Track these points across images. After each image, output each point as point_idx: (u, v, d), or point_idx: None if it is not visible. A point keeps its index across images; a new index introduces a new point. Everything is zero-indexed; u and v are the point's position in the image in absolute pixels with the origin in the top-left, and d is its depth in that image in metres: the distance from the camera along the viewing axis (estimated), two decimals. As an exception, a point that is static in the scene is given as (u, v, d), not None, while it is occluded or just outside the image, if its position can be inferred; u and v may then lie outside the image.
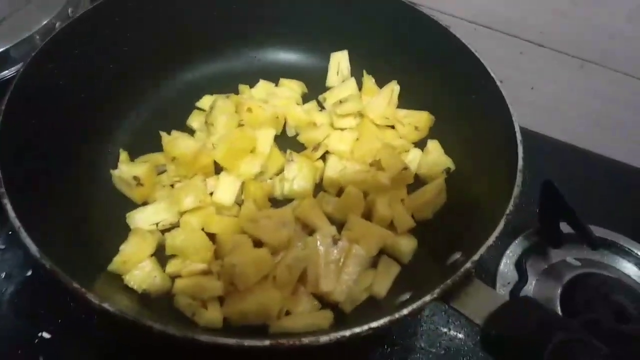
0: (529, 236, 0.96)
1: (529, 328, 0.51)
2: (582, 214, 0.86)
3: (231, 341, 0.52)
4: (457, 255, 0.64)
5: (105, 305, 0.53)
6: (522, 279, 0.89)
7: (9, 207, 0.59)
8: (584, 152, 1.15)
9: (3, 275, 0.84)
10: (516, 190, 0.66)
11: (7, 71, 0.89)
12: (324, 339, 0.52)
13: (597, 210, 0.99)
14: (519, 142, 0.71)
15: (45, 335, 0.78)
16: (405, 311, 0.54)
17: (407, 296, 0.65)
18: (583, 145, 1.16)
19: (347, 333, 0.53)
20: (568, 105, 1.18)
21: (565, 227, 0.90)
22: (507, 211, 0.64)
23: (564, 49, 1.10)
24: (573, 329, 0.51)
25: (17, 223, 0.58)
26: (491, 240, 0.61)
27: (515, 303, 0.56)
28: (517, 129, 0.73)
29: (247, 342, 0.51)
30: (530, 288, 0.89)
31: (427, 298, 0.55)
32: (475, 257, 0.59)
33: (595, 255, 0.95)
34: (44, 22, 0.94)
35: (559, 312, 0.85)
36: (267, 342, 0.52)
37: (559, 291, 0.87)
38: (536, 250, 0.94)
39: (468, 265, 0.58)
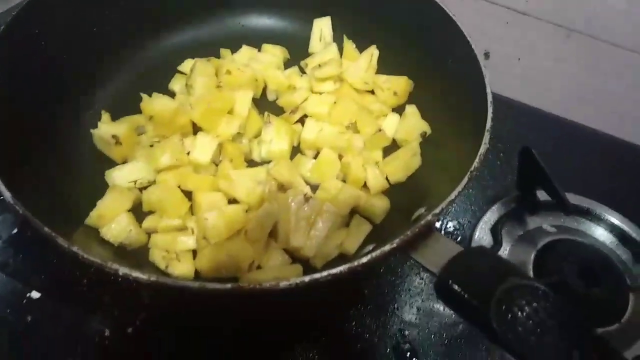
0: (506, 203, 0.97)
1: (481, 275, 0.53)
2: (560, 182, 0.87)
3: (194, 284, 0.54)
4: (422, 210, 0.66)
5: (74, 249, 0.55)
6: (497, 243, 0.90)
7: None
8: (567, 122, 1.15)
9: None
10: (483, 148, 0.67)
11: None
12: (284, 284, 0.54)
13: (575, 178, 1.01)
14: (489, 102, 0.72)
15: (34, 295, 0.80)
16: (364, 259, 0.56)
17: (370, 248, 0.66)
18: (566, 115, 1.16)
19: (307, 279, 0.55)
20: (554, 75, 1.18)
21: (542, 195, 0.91)
22: (472, 167, 0.65)
23: (549, 18, 1.10)
24: (523, 276, 0.52)
25: (-9, 172, 0.60)
26: (453, 195, 0.62)
27: (470, 252, 0.58)
28: (488, 90, 0.74)
29: (210, 285, 0.53)
30: (505, 253, 0.91)
31: (387, 248, 0.57)
32: (437, 211, 0.60)
33: (571, 222, 0.96)
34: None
35: (532, 275, 0.87)
36: (228, 286, 0.53)
37: (532, 256, 0.89)
38: (513, 216, 0.95)
39: (429, 218, 0.59)
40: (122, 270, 0.53)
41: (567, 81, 1.16)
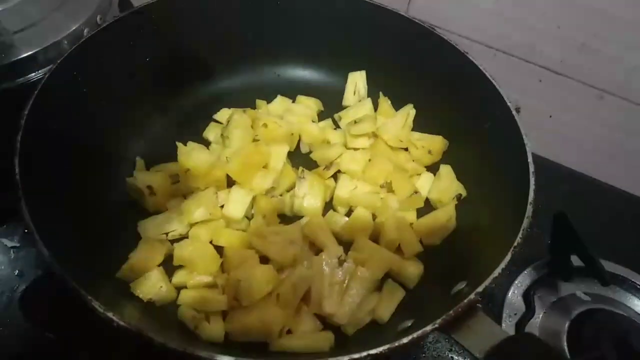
0: (539, 267, 0.95)
1: (529, 365, 0.51)
2: (594, 248, 0.85)
3: (229, 358, 0.52)
4: (462, 285, 0.64)
5: (110, 315, 0.54)
6: (530, 311, 0.88)
7: (25, 210, 0.61)
8: (600, 184, 1.14)
9: (16, 272, 0.85)
10: (525, 222, 0.65)
11: (33, 74, 0.91)
12: (322, 363, 0.52)
13: (611, 244, 0.98)
14: (531, 173, 0.71)
15: (51, 336, 0.78)
16: (405, 340, 0.54)
17: (408, 323, 0.64)
18: (599, 176, 1.14)
19: (345, 358, 0.53)
20: (586, 135, 1.16)
21: (576, 260, 0.89)
22: (515, 243, 0.63)
23: (583, 79, 1.09)
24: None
25: (31, 227, 0.60)
26: (497, 272, 0.60)
27: (517, 339, 0.56)
28: (530, 159, 0.72)
29: (245, 361, 0.52)
30: (537, 321, 0.88)
31: (429, 328, 0.55)
32: (480, 289, 0.58)
33: (606, 290, 0.93)
34: (72, 29, 0.96)
35: (565, 347, 0.84)
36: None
37: (566, 326, 0.86)
38: (546, 282, 0.93)
39: (472, 297, 0.57)
40: (158, 340, 0.52)
41: (599, 142, 1.15)
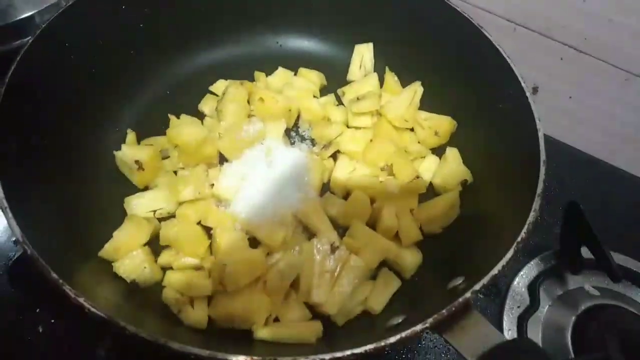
0: (547, 258, 0.90)
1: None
2: (608, 239, 0.79)
3: (204, 352, 0.49)
4: (460, 281, 0.60)
5: (81, 300, 0.51)
6: (534, 304, 0.84)
7: (-1, 185, 0.58)
8: (619, 172, 1.07)
9: (13, 239, 0.82)
10: (532, 216, 0.61)
11: (30, 37, 0.87)
12: (301, 360, 0.49)
13: (627, 236, 0.93)
14: (542, 162, 0.65)
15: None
16: (392, 339, 0.51)
17: (399, 319, 0.61)
18: (618, 163, 1.08)
19: (327, 357, 0.49)
20: (607, 119, 1.09)
21: (586, 252, 0.84)
22: (519, 238, 0.59)
23: (608, 59, 1.01)
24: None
25: (4, 203, 0.56)
26: (496, 270, 0.56)
27: (513, 345, 0.52)
28: (542, 148, 0.67)
29: (220, 356, 0.49)
30: (542, 314, 0.84)
31: (418, 328, 0.51)
32: (476, 287, 0.54)
33: (617, 285, 0.88)
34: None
35: (569, 344, 0.80)
36: (240, 358, 0.49)
37: (572, 321, 0.82)
38: (553, 273, 0.88)
39: (467, 295, 0.53)
40: (130, 329, 0.50)
41: (621, 127, 1.08)
